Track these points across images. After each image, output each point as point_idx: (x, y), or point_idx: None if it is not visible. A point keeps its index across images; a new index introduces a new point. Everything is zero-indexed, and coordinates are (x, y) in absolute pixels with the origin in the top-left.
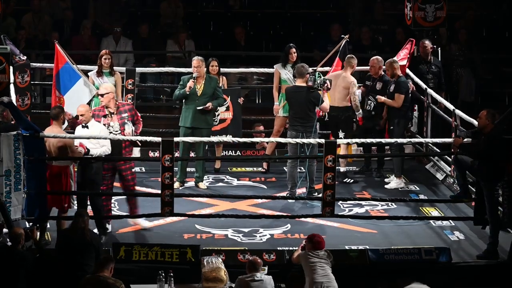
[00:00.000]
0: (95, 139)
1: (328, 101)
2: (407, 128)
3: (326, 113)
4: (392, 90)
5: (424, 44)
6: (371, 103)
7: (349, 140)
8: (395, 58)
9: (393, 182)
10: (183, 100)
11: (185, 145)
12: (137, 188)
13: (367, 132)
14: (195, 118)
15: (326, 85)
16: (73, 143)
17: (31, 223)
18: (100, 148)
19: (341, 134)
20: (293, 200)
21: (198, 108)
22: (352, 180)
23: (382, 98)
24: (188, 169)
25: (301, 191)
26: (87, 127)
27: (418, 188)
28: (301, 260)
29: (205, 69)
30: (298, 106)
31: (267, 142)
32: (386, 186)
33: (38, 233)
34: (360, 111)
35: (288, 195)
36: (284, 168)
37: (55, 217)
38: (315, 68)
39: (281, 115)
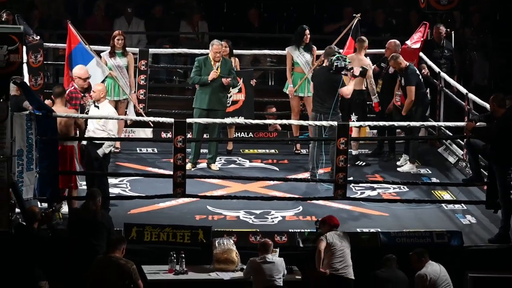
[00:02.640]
0: (102, 121)
1: (351, 87)
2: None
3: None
4: (404, 84)
5: (439, 29)
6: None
7: (361, 123)
8: (396, 53)
9: (406, 166)
10: None
11: (199, 126)
12: (149, 169)
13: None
14: (211, 100)
15: (352, 71)
16: (83, 121)
17: (44, 204)
18: (108, 147)
19: (354, 117)
20: (307, 182)
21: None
22: (364, 163)
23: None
24: (204, 150)
25: (322, 171)
26: (97, 107)
27: (430, 172)
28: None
29: None
30: (319, 87)
31: (279, 124)
32: (398, 169)
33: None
34: (376, 95)
35: (309, 176)
36: (295, 151)
37: (67, 197)
38: (340, 50)
39: (296, 95)
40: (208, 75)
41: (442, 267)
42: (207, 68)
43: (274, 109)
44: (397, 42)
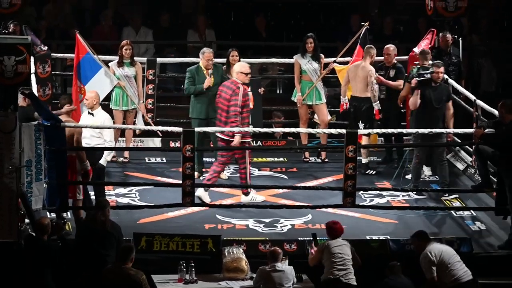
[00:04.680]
0: (101, 129)
1: (412, 97)
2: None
3: (347, 105)
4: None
5: (445, 37)
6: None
7: (369, 131)
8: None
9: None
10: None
11: (199, 136)
12: (158, 178)
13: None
14: (209, 109)
15: (414, 79)
16: (81, 133)
17: (53, 214)
18: (108, 154)
19: (361, 125)
20: (316, 190)
21: None
22: (374, 172)
23: (382, 79)
24: (208, 160)
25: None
26: (92, 114)
27: (439, 178)
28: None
29: None
30: None
31: (288, 133)
32: (407, 176)
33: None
34: (378, 102)
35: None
36: (304, 159)
37: (74, 208)
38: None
39: (304, 103)
40: (203, 84)
41: (448, 246)
42: (200, 77)
43: (280, 118)
44: (393, 46)
